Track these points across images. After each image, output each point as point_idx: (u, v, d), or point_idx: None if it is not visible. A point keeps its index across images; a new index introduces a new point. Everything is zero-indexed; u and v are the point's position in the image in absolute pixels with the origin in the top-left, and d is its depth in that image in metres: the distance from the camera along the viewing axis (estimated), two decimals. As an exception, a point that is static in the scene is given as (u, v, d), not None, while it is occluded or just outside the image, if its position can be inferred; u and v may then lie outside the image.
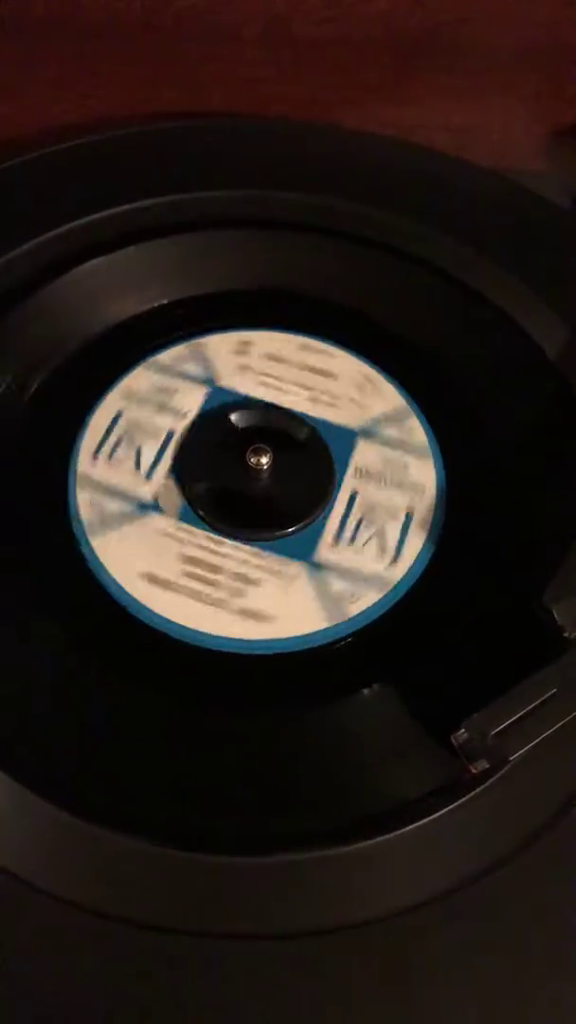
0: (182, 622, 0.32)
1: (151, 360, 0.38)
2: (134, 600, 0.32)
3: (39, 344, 0.38)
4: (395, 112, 0.49)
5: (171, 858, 0.27)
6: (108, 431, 0.36)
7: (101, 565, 0.33)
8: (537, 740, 0.27)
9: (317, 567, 0.33)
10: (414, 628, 0.32)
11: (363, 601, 0.33)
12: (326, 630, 0.32)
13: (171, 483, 0.35)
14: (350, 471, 0.36)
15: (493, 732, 0.27)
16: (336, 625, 0.32)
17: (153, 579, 0.33)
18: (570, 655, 0.29)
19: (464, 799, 0.28)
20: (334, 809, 0.28)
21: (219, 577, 0.33)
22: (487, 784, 0.28)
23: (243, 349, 0.39)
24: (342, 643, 0.32)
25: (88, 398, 0.37)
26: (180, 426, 0.37)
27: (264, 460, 0.35)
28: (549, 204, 0.43)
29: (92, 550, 0.33)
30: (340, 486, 0.35)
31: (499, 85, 0.48)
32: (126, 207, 0.41)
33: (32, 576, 0.33)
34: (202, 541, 0.34)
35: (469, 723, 0.28)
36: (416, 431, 0.37)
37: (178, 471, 0.35)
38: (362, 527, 0.35)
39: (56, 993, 0.25)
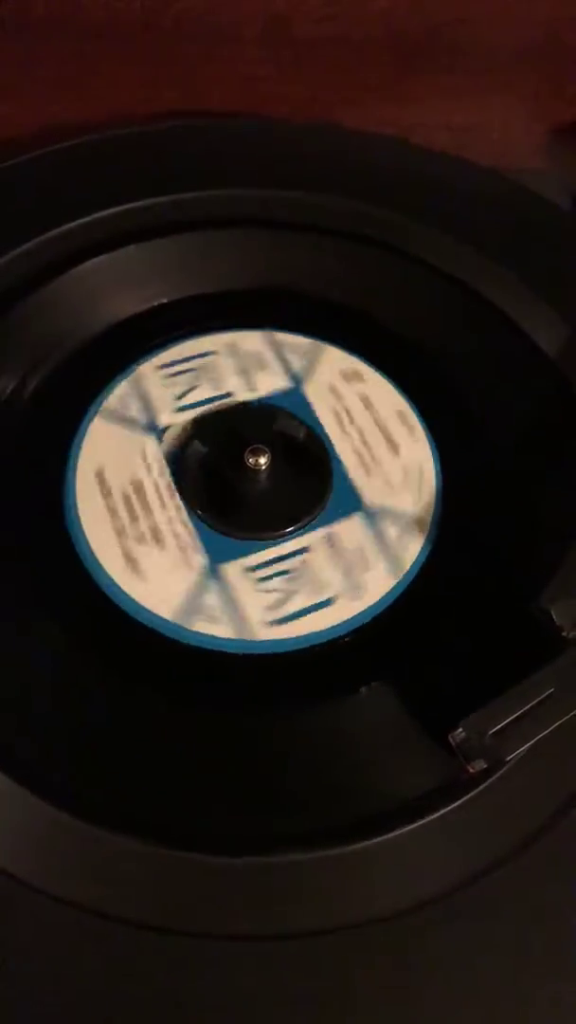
0: (180, 622, 0.32)
1: (151, 359, 0.38)
2: (132, 600, 0.32)
3: (39, 343, 0.38)
4: (395, 111, 0.49)
5: (168, 858, 0.27)
6: (107, 432, 0.36)
7: (99, 565, 0.33)
8: (535, 740, 0.27)
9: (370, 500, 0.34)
10: (412, 627, 0.32)
11: (362, 600, 0.33)
12: (322, 631, 0.32)
13: (169, 482, 0.35)
14: (348, 471, 0.36)
15: (491, 732, 0.27)
16: (333, 625, 0.32)
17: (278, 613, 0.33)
18: (568, 655, 0.29)
19: (462, 799, 0.28)
20: (332, 809, 0.28)
21: (319, 565, 0.33)
22: (485, 784, 0.28)
23: (242, 348, 0.39)
24: (340, 642, 0.32)
25: (88, 397, 0.37)
26: (179, 426, 0.37)
27: (262, 460, 0.35)
28: (549, 203, 0.43)
29: (91, 550, 0.33)
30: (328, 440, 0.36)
31: (499, 84, 0.48)
32: (126, 206, 0.40)
33: (31, 576, 0.33)
34: (274, 556, 0.34)
35: (467, 723, 0.28)
36: (415, 430, 0.37)
37: (176, 471, 0.36)
38: (367, 447, 0.35)
39: (55, 993, 0.25)
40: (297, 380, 0.38)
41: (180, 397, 0.37)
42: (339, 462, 0.36)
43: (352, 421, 0.37)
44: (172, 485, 0.35)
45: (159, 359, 0.39)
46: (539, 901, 0.27)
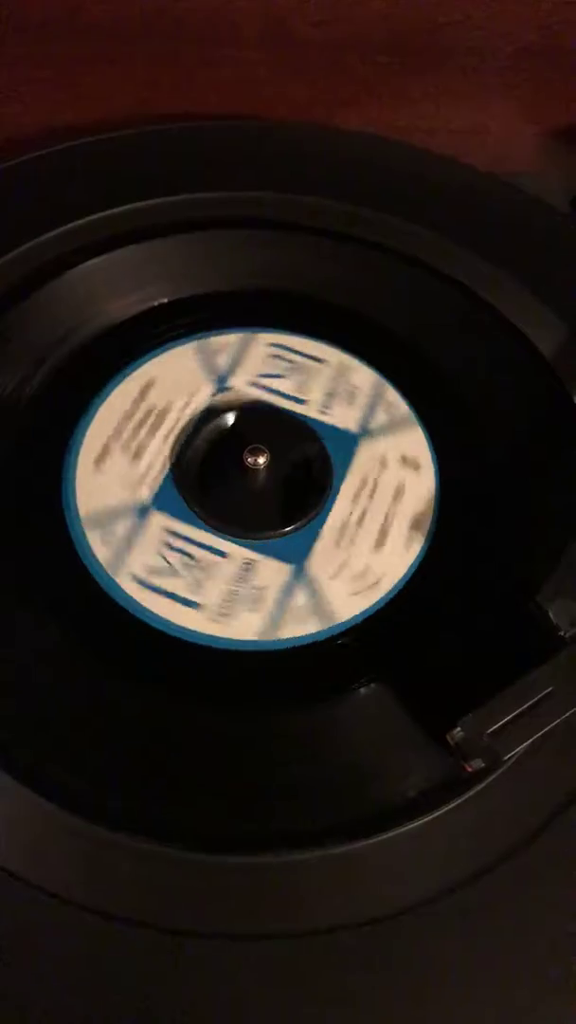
0: (179, 621, 0.32)
1: (150, 360, 0.38)
2: (131, 599, 0.32)
3: (39, 343, 0.38)
4: (393, 113, 0.49)
5: (167, 857, 0.27)
6: (104, 520, 0.36)
7: (99, 564, 0.33)
8: (533, 739, 0.28)
9: (313, 567, 0.34)
10: (410, 627, 0.33)
11: (359, 601, 0.33)
12: (320, 629, 0.32)
13: (169, 483, 0.35)
14: (346, 470, 0.36)
15: (489, 731, 0.27)
16: (331, 624, 0.32)
17: (150, 578, 0.33)
18: (565, 654, 0.29)
19: (460, 799, 0.28)
20: (330, 808, 0.29)
21: (216, 576, 0.33)
22: (483, 783, 0.28)
23: (241, 349, 0.39)
24: (337, 642, 0.32)
25: (88, 398, 0.37)
26: (179, 425, 0.37)
27: (261, 460, 0.35)
28: (546, 206, 0.43)
29: (91, 550, 0.33)
30: (337, 486, 0.35)
31: (497, 87, 0.48)
32: (126, 207, 0.40)
33: (30, 574, 0.33)
34: (200, 540, 0.34)
35: (465, 722, 0.28)
36: (412, 431, 0.37)
37: (176, 471, 0.36)
38: (359, 526, 0.35)
39: (55, 993, 0.25)
40: (223, 377, 0.38)
41: (141, 450, 0.37)
42: (313, 421, 0.37)
43: (293, 384, 0.38)
44: (199, 526, 0.35)
45: (159, 359, 0.39)
46: (538, 900, 0.27)
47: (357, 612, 0.33)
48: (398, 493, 0.35)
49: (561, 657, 0.29)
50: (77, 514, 0.34)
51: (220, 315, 0.40)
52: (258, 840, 0.28)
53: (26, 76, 0.47)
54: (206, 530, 0.34)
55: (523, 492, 0.35)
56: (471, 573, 0.34)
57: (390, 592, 0.33)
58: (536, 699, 0.28)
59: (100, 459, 0.36)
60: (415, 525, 0.35)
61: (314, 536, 0.34)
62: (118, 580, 0.33)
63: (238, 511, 0.35)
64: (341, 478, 0.36)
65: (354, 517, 0.35)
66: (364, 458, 0.36)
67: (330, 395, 0.38)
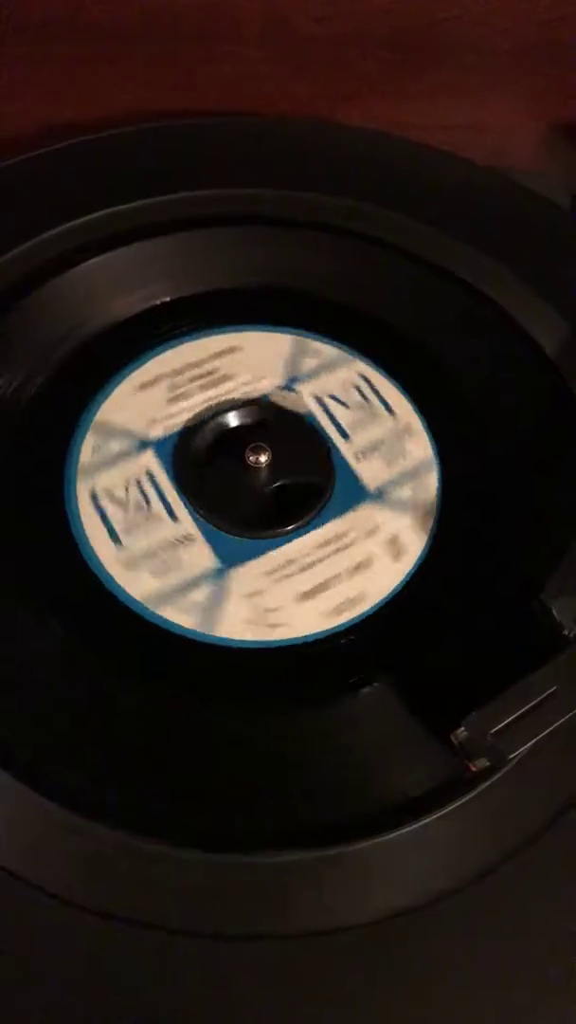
0: (97, 552, 0.33)
1: (152, 358, 0.38)
2: (133, 599, 0.32)
3: (40, 342, 0.38)
4: (394, 110, 0.49)
5: (167, 857, 0.27)
6: (109, 431, 0.36)
7: (101, 564, 0.33)
8: (537, 738, 0.27)
9: (377, 495, 0.34)
10: (413, 625, 0.32)
11: (364, 598, 0.33)
12: (323, 628, 0.32)
13: (171, 485, 0.35)
14: (348, 469, 0.36)
15: (493, 730, 0.27)
16: (335, 623, 0.32)
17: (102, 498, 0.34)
18: (570, 653, 0.29)
19: (464, 798, 0.28)
20: (333, 808, 0.28)
21: (152, 530, 0.34)
22: (487, 783, 0.28)
23: (243, 347, 0.39)
24: (341, 640, 0.32)
25: (89, 397, 0.37)
26: (180, 424, 0.37)
27: (263, 458, 0.35)
28: (548, 202, 0.43)
29: (92, 549, 0.33)
30: (317, 524, 0.35)
31: (498, 83, 0.48)
32: (127, 206, 0.40)
33: (31, 573, 0.33)
34: (167, 496, 0.34)
35: (469, 721, 0.28)
36: (415, 429, 0.37)
37: (178, 472, 0.35)
38: (303, 571, 0.34)
39: (53, 993, 0.25)
40: (296, 379, 0.38)
41: (182, 397, 0.37)
42: (340, 458, 0.36)
43: (352, 419, 0.37)
44: (175, 486, 0.35)
45: (161, 358, 0.38)
46: (542, 900, 0.27)
47: (245, 638, 0.32)
48: (360, 566, 0.34)
49: (565, 656, 0.29)
50: (79, 513, 0.34)
51: (220, 313, 0.40)
52: (259, 840, 0.28)
53: (26, 75, 0.47)
54: (178, 493, 0.35)
55: (526, 490, 0.35)
56: (474, 572, 0.33)
57: (393, 592, 0.33)
58: (540, 698, 0.28)
59: (145, 386, 0.37)
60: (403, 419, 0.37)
61: (261, 552, 0.34)
62: (77, 488, 0.34)
63: (218, 495, 0.35)
64: (326, 520, 0.35)
65: (359, 440, 0.36)
66: (360, 517, 0.35)
67: (374, 448, 0.37)
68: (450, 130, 0.49)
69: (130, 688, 0.31)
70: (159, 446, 0.36)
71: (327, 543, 0.34)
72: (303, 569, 0.34)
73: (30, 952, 0.26)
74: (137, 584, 0.33)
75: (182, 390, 0.37)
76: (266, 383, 0.38)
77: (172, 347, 0.39)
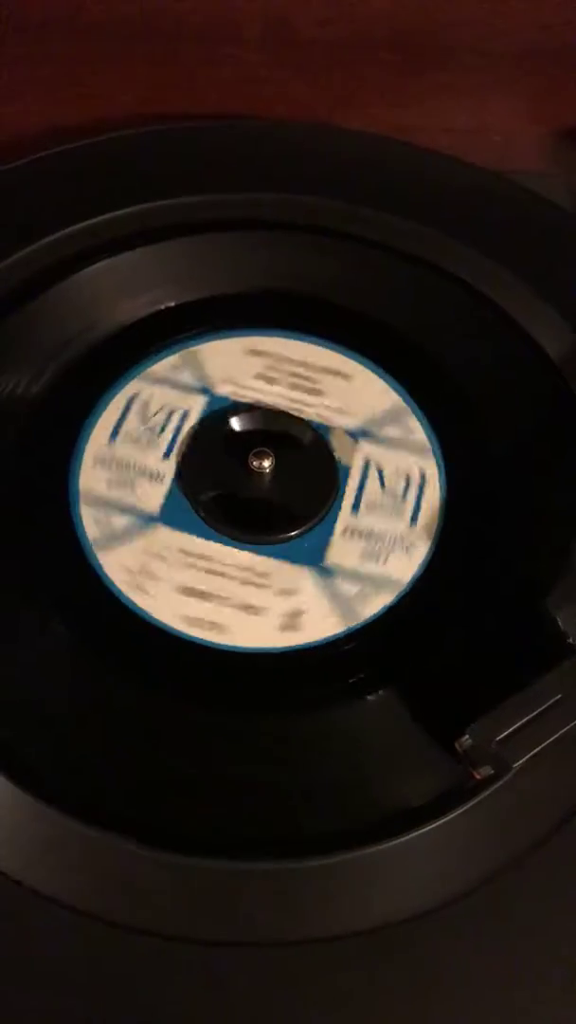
0: (186, 625, 0.32)
1: (155, 363, 0.38)
2: (136, 602, 0.32)
3: (44, 346, 0.38)
4: (396, 113, 0.49)
5: (171, 862, 0.27)
6: (113, 434, 0.36)
7: (102, 565, 0.33)
8: (542, 746, 0.27)
9: (325, 571, 0.34)
10: (418, 633, 0.32)
11: (370, 604, 0.33)
12: (327, 635, 0.32)
13: (175, 488, 0.35)
14: (352, 473, 0.36)
15: (498, 738, 0.27)
16: (338, 630, 0.32)
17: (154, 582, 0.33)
18: (574, 660, 0.29)
19: (468, 805, 0.28)
20: (336, 814, 0.28)
21: (225, 582, 0.33)
22: (491, 790, 0.28)
23: (246, 352, 0.39)
24: (345, 647, 0.32)
25: (93, 401, 0.37)
26: (183, 430, 0.37)
27: (267, 463, 0.35)
28: (551, 205, 0.43)
29: (94, 553, 0.33)
30: (343, 488, 0.35)
31: (501, 86, 0.48)
32: (129, 210, 0.40)
33: (36, 576, 0.33)
34: (207, 548, 0.34)
35: (473, 729, 0.28)
36: (417, 433, 0.37)
37: (181, 477, 0.35)
38: (365, 529, 0.34)
39: (52, 1000, 0.25)
40: (298, 379, 0.38)
41: (186, 398, 0.37)
42: (341, 462, 0.36)
43: (354, 420, 0.37)
44: (178, 487, 0.35)
45: (166, 361, 0.38)
46: (545, 907, 0.27)
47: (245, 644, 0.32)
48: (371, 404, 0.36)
49: (570, 664, 0.29)
50: (82, 517, 0.34)
51: (224, 318, 0.40)
52: (261, 846, 0.28)
53: (27, 76, 0.47)
54: (279, 546, 0.34)
55: (529, 494, 0.35)
56: (478, 577, 0.33)
57: (397, 597, 0.33)
58: (545, 706, 0.28)
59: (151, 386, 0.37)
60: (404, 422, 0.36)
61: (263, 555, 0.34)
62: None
63: (219, 495, 0.35)
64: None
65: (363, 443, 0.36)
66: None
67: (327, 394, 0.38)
68: (452, 133, 0.49)
69: (131, 692, 0.31)
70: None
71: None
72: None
73: (27, 957, 0.26)
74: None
75: (187, 392, 0.37)
76: (276, 388, 0.38)
77: (176, 351, 0.39)
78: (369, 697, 0.31)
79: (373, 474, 0.36)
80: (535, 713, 0.28)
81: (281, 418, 0.37)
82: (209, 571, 0.33)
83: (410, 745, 0.30)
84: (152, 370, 0.38)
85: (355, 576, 0.33)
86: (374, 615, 0.33)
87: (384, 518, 0.35)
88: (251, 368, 0.38)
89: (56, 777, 0.28)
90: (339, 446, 0.36)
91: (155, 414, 0.37)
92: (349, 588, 0.33)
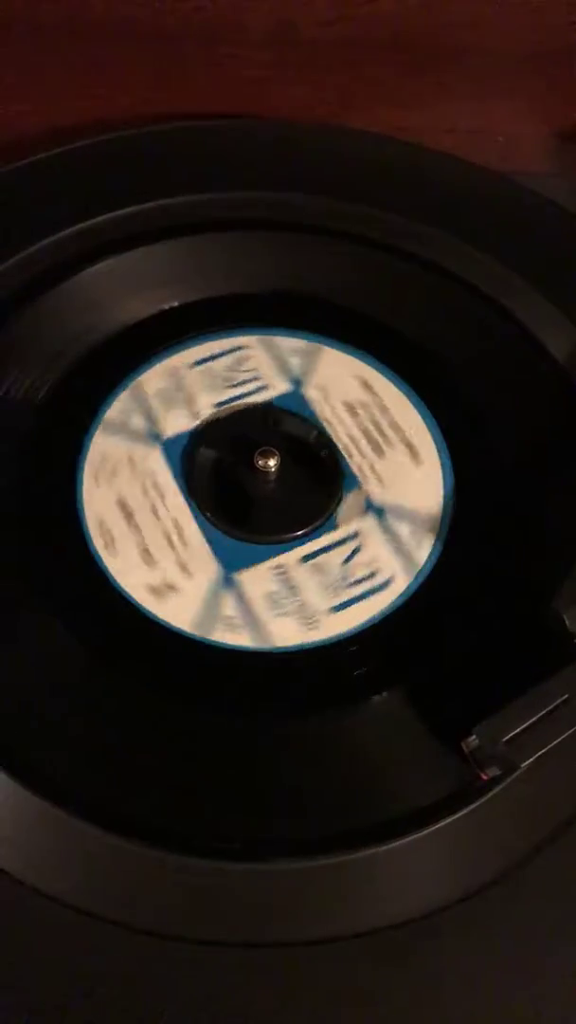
0: (192, 628, 0.32)
1: (161, 362, 0.38)
2: (139, 602, 0.32)
3: (50, 345, 0.38)
4: (401, 114, 0.49)
5: (172, 863, 0.27)
6: (117, 432, 0.36)
7: (107, 566, 0.33)
8: (549, 746, 0.27)
9: (327, 571, 0.34)
10: (424, 633, 0.32)
11: (374, 605, 0.33)
12: (334, 635, 0.32)
13: (179, 488, 0.35)
14: (357, 473, 0.36)
15: (504, 739, 0.27)
16: (345, 630, 0.32)
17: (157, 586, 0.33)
18: (581, 661, 0.29)
19: (474, 805, 0.28)
20: (343, 815, 0.28)
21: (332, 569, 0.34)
22: (498, 790, 0.28)
23: (250, 351, 0.39)
24: (352, 647, 0.32)
25: (98, 399, 0.37)
26: (188, 429, 0.37)
27: (272, 463, 0.35)
28: (557, 206, 0.43)
29: (99, 552, 0.33)
30: (348, 488, 0.35)
31: (505, 87, 0.48)
32: (135, 208, 0.40)
33: (38, 576, 0.33)
34: (290, 559, 0.34)
35: (480, 730, 0.28)
36: (424, 435, 0.37)
37: (186, 476, 0.35)
38: (377, 448, 0.35)
39: (53, 997, 0.25)
40: (301, 383, 0.38)
41: (189, 401, 0.37)
42: (347, 464, 0.36)
43: (359, 423, 0.37)
44: (181, 490, 0.35)
45: (169, 362, 0.39)
46: (552, 907, 0.27)
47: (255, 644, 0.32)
48: (374, 406, 0.36)
49: (577, 664, 0.29)
50: (86, 516, 0.34)
51: (228, 317, 0.40)
52: (267, 847, 0.28)
53: (32, 76, 0.47)
54: (183, 494, 0.35)
55: (537, 497, 0.35)
56: (485, 578, 0.33)
57: (403, 597, 0.33)
58: (552, 707, 0.28)
59: (155, 387, 0.37)
60: (412, 424, 0.37)
61: (264, 557, 0.34)
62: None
63: (223, 497, 0.35)
64: (332, 527, 0.35)
65: (367, 447, 0.36)
66: (325, 402, 0.37)
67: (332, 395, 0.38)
68: (455, 134, 0.49)
69: (134, 693, 0.31)
70: (168, 446, 0.36)
71: (334, 549, 0.34)
72: (309, 575, 0.34)
73: (27, 955, 0.26)
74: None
75: (191, 393, 0.37)
76: (278, 387, 0.38)
77: (180, 351, 0.39)
78: (376, 698, 0.31)
79: (348, 546, 0.35)
80: (542, 713, 0.28)
81: (288, 418, 0.37)
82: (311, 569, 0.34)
83: (417, 746, 0.30)
84: (155, 369, 0.38)
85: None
86: (379, 614, 0.32)
87: (316, 587, 0.33)
88: (261, 367, 0.39)
89: (59, 777, 0.28)
90: (350, 505, 0.36)
91: (160, 412, 0.37)
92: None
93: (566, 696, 0.28)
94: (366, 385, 0.38)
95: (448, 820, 0.28)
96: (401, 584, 0.33)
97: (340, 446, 0.37)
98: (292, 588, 0.33)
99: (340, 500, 0.35)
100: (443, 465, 0.36)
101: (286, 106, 0.48)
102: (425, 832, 0.28)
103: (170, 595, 0.33)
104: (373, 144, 0.45)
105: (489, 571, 0.34)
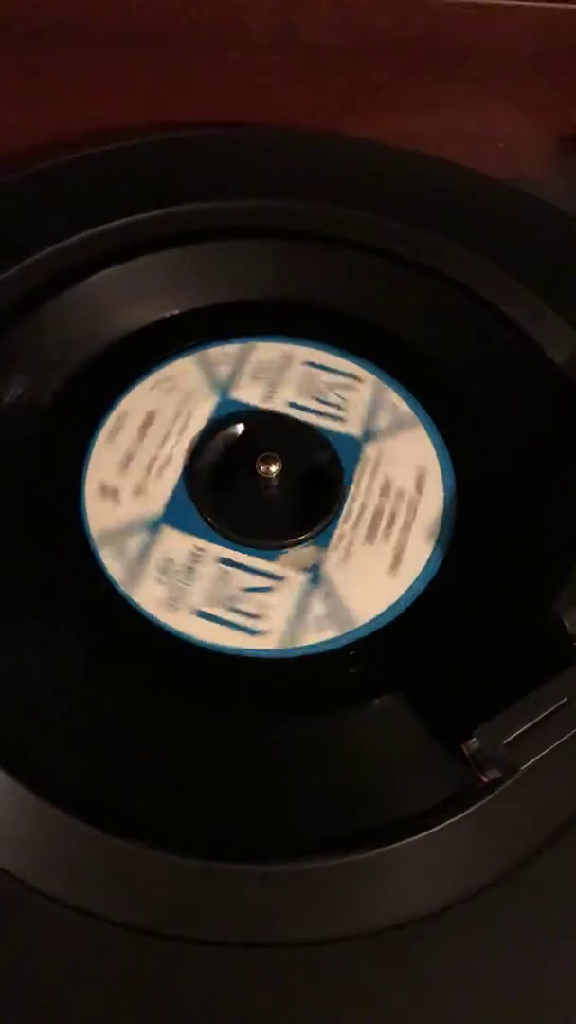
0: (192, 628, 0.32)
1: (162, 369, 0.39)
2: (142, 605, 0.32)
3: (52, 353, 0.38)
4: (403, 120, 0.49)
5: (173, 864, 0.27)
6: (120, 441, 0.36)
7: (110, 570, 0.33)
8: (550, 749, 0.27)
9: (326, 575, 0.34)
10: (424, 636, 0.32)
11: (372, 609, 0.33)
12: (336, 637, 0.32)
13: (183, 495, 0.35)
14: (358, 478, 0.36)
15: (505, 741, 0.27)
16: (346, 632, 0.32)
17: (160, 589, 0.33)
18: (582, 664, 0.29)
19: (475, 808, 0.28)
20: (343, 818, 0.28)
21: (232, 586, 0.33)
22: (498, 793, 0.28)
23: (252, 359, 0.39)
24: (352, 650, 0.32)
25: (100, 407, 0.37)
26: (190, 436, 0.37)
27: (273, 469, 0.35)
28: (558, 212, 0.43)
29: (100, 555, 0.34)
30: (348, 493, 0.35)
31: (507, 93, 0.48)
32: (138, 217, 0.40)
33: (40, 579, 0.33)
34: (214, 552, 0.34)
35: (480, 732, 0.28)
36: (423, 440, 0.37)
37: (189, 483, 0.36)
38: (371, 534, 0.34)
39: (54, 997, 0.25)
40: (307, 390, 0.38)
41: (191, 405, 0.38)
42: (348, 466, 0.36)
43: (362, 427, 0.37)
44: (184, 492, 0.35)
45: (171, 367, 0.39)
46: (553, 910, 0.27)
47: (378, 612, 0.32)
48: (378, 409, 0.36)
49: (577, 667, 0.29)
50: (90, 523, 0.34)
51: (231, 325, 0.40)
52: (268, 849, 0.28)
53: (36, 84, 0.47)
54: (283, 552, 0.34)
55: (538, 500, 0.35)
56: (485, 581, 0.34)
57: (403, 601, 0.33)
58: (552, 709, 0.28)
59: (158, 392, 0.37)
60: (412, 429, 0.36)
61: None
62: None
63: (226, 503, 0.35)
64: (333, 528, 0.35)
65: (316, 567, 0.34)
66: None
67: (334, 400, 0.38)
68: (457, 140, 0.49)
69: (136, 695, 0.31)
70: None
71: (336, 550, 0.34)
72: (213, 573, 0.34)
73: (28, 955, 0.26)
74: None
75: (195, 398, 0.38)
76: (278, 395, 0.38)
77: (182, 358, 0.39)
78: (376, 700, 0.31)
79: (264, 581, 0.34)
80: (543, 716, 0.28)
81: (289, 423, 0.37)
82: (220, 573, 0.33)
83: (417, 748, 0.30)
84: (158, 376, 0.38)
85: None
86: (379, 618, 0.33)
87: (205, 586, 0.33)
88: (262, 374, 0.39)
89: (59, 777, 0.28)
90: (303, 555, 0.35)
91: (163, 419, 0.37)
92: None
93: (566, 698, 0.28)
94: (368, 391, 0.38)
95: (448, 822, 0.28)
96: (402, 587, 0.33)
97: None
98: (190, 571, 0.33)
99: (303, 544, 0.35)
100: (443, 468, 0.36)
101: (288, 111, 0.49)
102: (425, 834, 0.28)
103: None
104: (373, 151, 0.45)
105: (490, 574, 0.34)
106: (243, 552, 0.34)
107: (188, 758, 0.30)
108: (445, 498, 0.36)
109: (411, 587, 0.33)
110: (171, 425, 0.37)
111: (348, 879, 0.27)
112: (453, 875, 0.27)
